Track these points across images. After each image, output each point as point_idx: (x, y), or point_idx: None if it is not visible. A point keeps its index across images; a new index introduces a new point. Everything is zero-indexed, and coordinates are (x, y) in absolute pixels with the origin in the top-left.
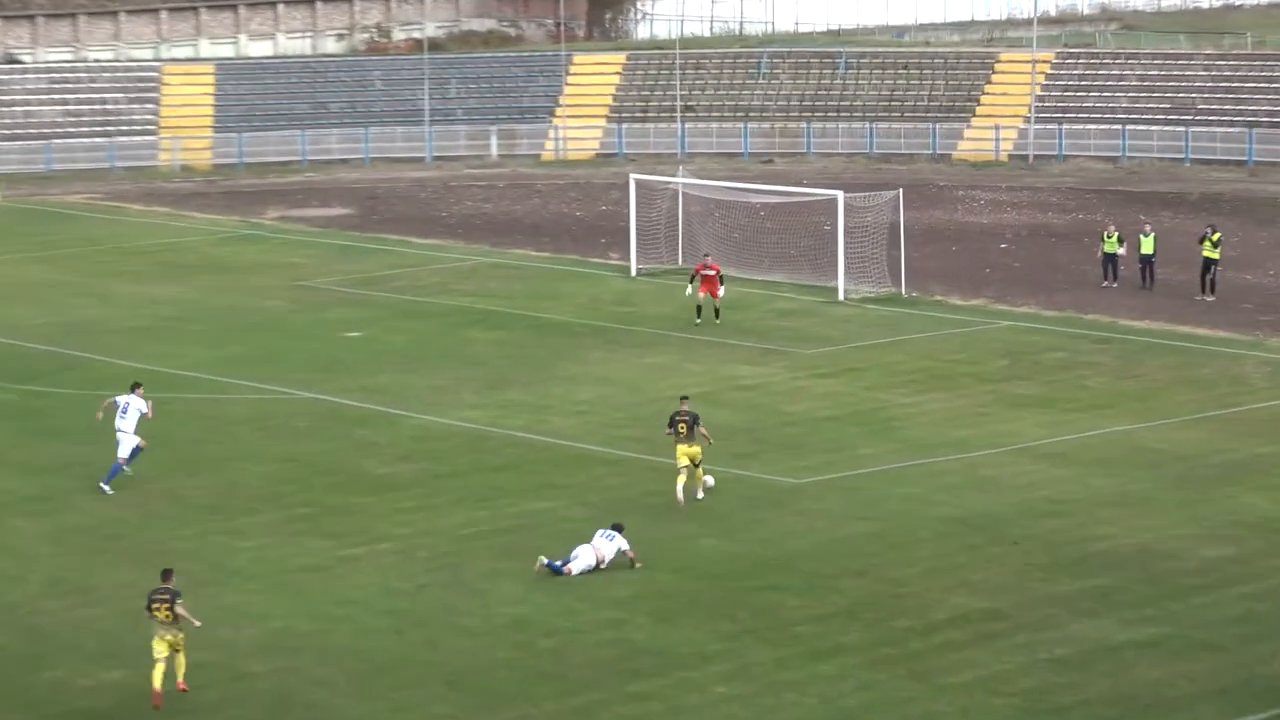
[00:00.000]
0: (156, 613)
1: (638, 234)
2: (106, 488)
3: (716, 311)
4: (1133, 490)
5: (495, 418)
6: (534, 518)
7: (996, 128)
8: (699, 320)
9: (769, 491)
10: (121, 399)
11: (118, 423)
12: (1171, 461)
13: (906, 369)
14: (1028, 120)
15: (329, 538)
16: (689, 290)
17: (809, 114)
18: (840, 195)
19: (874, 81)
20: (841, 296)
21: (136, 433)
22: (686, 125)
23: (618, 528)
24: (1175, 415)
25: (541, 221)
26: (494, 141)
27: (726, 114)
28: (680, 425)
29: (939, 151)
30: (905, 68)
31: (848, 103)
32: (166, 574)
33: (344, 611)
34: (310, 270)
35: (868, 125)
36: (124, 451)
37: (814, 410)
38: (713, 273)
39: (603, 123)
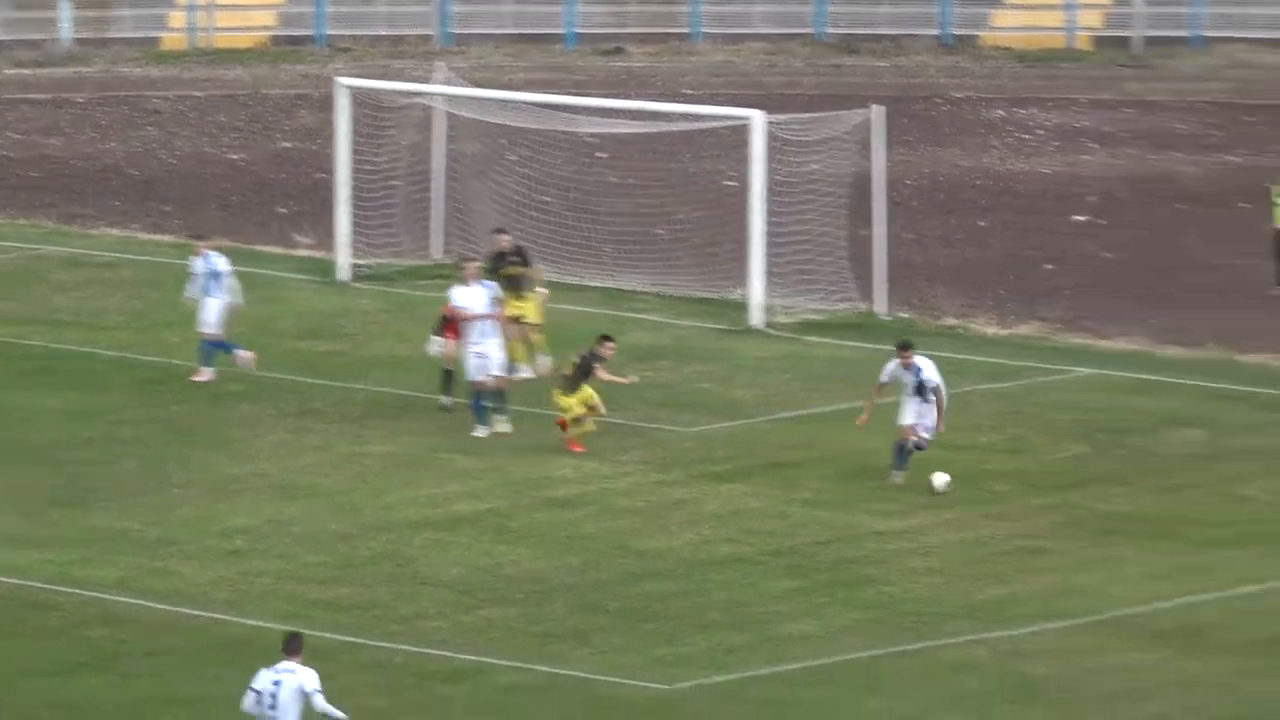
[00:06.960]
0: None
1: (353, 199)
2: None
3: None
4: None
5: (61, 566)
6: None
7: None
8: (447, 402)
9: (613, 707)
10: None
11: None
12: None
13: (885, 465)
14: None
15: None
16: (434, 347)
17: None
18: (757, 117)
19: None
20: (758, 321)
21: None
22: None
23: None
24: None
25: (161, 172)
26: (65, 11)
27: None
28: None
29: (955, 31)
30: None
31: None
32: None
33: None
34: None
35: None
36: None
37: (699, 547)
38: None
39: None
